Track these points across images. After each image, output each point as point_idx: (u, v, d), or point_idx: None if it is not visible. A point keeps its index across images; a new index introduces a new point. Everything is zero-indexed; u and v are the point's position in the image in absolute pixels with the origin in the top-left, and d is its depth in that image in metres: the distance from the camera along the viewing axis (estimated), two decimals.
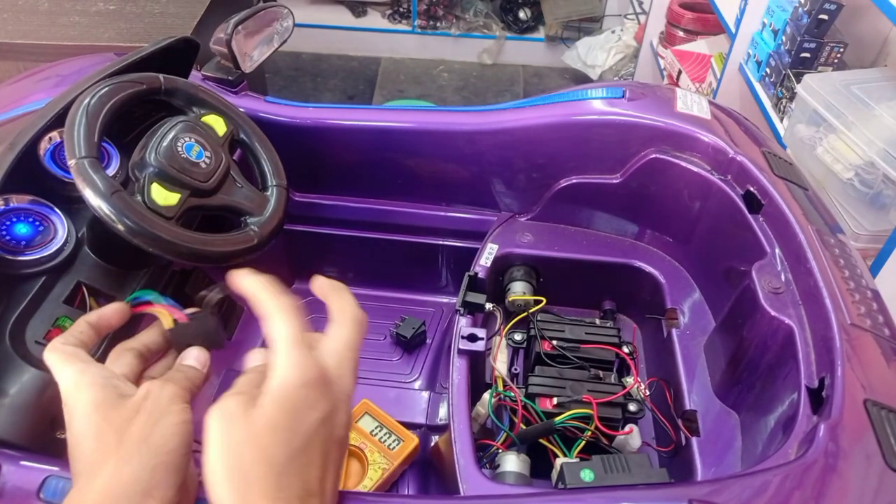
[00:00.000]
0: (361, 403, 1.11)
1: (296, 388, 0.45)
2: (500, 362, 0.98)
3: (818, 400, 0.71)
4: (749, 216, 0.95)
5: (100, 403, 0.48)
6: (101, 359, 0.55)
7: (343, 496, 0.55)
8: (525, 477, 0.84)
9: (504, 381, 0.94)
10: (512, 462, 0.84)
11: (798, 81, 1.56)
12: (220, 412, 0.45)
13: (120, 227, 0.75)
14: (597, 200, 1.14)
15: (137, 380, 0.55)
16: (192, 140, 0.86)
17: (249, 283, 0.50)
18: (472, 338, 0.94)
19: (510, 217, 1.21)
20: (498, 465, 0.85)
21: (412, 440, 1.06)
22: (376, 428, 1.08)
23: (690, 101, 1.08)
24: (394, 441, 1.06)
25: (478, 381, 0.98)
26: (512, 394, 0.91)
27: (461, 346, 0.93)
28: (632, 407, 0.90)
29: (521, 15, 3.19)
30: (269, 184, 0.96)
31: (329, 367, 0.47)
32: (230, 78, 1.14)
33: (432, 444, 1.10)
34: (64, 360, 0.51)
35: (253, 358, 0.53)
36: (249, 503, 0.42)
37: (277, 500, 0.42)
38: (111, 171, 0.91)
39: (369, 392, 1.20)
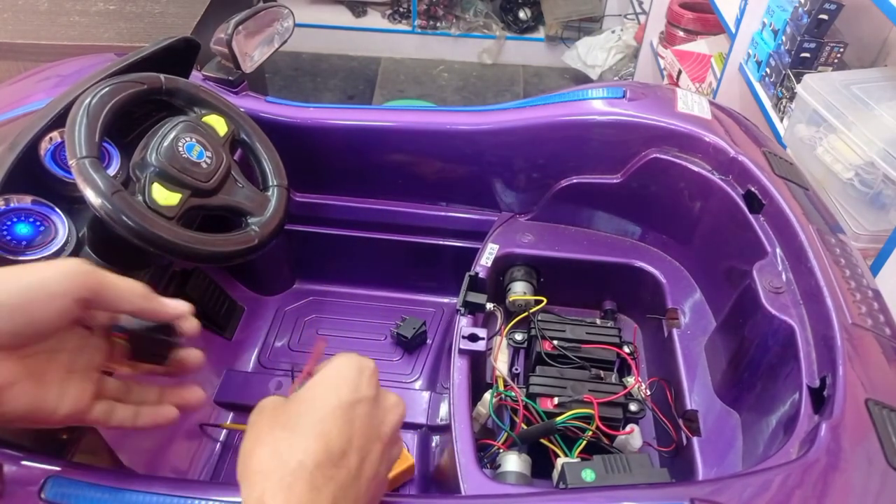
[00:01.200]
0: None
1: (351, 366, 0.48)
2: (500, 362, 0.98)
3: (819, 399, 0.71)
4: (750, 216, 0.95)
5: None
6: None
7: None
8: (526, 477, 0.84)
9: (505, 380, 0.94)
10: (513, 462, 0.84)
11: (798, 81, 1.56)
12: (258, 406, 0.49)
13: (121, 227, 0.75)
14: (597, 200, 1.14)
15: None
16: (193, 140, 0.86)
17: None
18: (473, 338, 0.94)
19: (511, 217, 1.21)
20: (499, 465, 0.85)
21: (406, 460, 1.04)
22: None
23: (691, 102, 1.08)
24: None
25: (478, 381, 0.98)
26: (513, 394, 0.91)
27: (462, 346, 0.93)
28: (633, 407, 0.90)
29: (521, 15, 3.19)
30: (270, 184, 0.96)
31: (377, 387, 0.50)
32: (231, 78, 1.14)
33: (433, 444, 1.10)
34: None
35: None
36: (278, 450, 0.44)
37: (296, 455, 0.43)
38: (112, 171, 0.90)
39: None
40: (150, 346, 0.57)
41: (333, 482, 0.43)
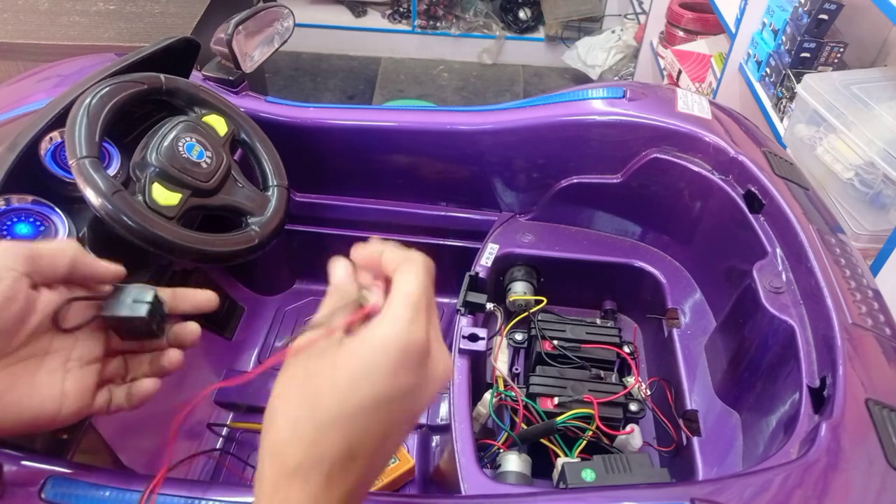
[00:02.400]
0: None
1: (397, 348, 0.41)
2: (500, 362, 0.98)
3: (820, 399, 0.71)
4: (750, 216, 0.95)
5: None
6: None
7: None
8: (526, 477, 0.84)
9: (505, 380, 0.94)
10: (513, 462, 0.84)
11: (798, 81, 1.56)
12: (307, 344, 0.43)
13: (121, 227, 0.75)
14: (597, 200, 1.14)
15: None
16: (194, 140, 0.86)
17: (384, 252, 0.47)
18: (473, 337, 0.94)
19: (511, 217, 1.21)
20: (499, 465, 0.85)
21: (407, 462, 1.04)
22: None
23: (691, 101, 1.08)
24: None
25: (479, 380, 0.98)
26: (513, 393, 0.91)
27: (462, 346, 0.93)
28: (633, 407, 0.90)
29: (521, 15, 3.19)
30: (270, 184, 0.96)
31: (433, 341, 0.43)
32: (231, 78, 1.14)
33: (433, 444, 1.10)
34: None
35: (340, 276, 0.50)
36: (298, 430, 0.40)
37: (317, 445, 0.40)
38: (112, 171, 0.90)
39: None
40: (138, 326, 0.56)
41: (349, 480, 0.41)
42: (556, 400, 0.89)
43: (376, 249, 0.48)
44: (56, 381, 0.52)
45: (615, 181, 1.10)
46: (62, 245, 0.53)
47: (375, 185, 1.25)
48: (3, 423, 0.50)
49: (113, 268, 0.55)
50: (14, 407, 0.50)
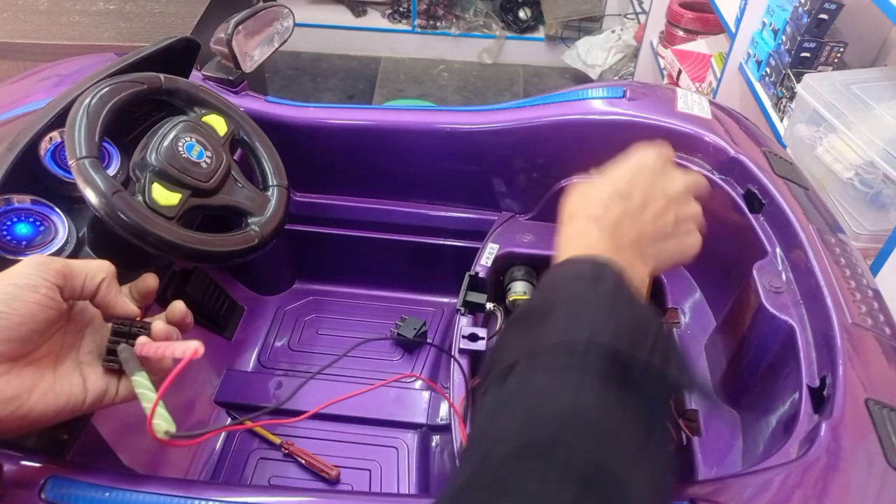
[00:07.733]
0: None
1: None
2: None
3: (819, 399, 0.71)
4: (750, 215, 0.95)
5: None
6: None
7: (343, 494, 0.55)
8: None
9: None
10: None
11: (798, 81, 1.56)
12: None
13: (121, 227, 0.75)
14: None
15: None
16: (193, 140, 0.86)
17: None
18: (473, 337, 0.94)
19: (511, 217, 1.21)
20: None
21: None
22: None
23: (691, 101, 1.08)
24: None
25: None
26: None
27: (462, 346, 0.93)
28: None
29: (521, 14, 3.19)
30: (270, 184, 0.96)
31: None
32: (230, 78, 1.14)
33: (433, 444, 1.10)
34: None
35: None
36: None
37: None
38: (112, 171, 0.90)
39: (371, 392, 1.20)
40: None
41: (619, 208, 0.60)
42: None
43: None
44: (76, 370, 0.59)
45: None
46: (94, 268, 0.59)
47: (375, 185, 1.25)
48: (45, 411, 0.56)
49: (133, 310, 0.62)
50: (50, 395, 0.56)
